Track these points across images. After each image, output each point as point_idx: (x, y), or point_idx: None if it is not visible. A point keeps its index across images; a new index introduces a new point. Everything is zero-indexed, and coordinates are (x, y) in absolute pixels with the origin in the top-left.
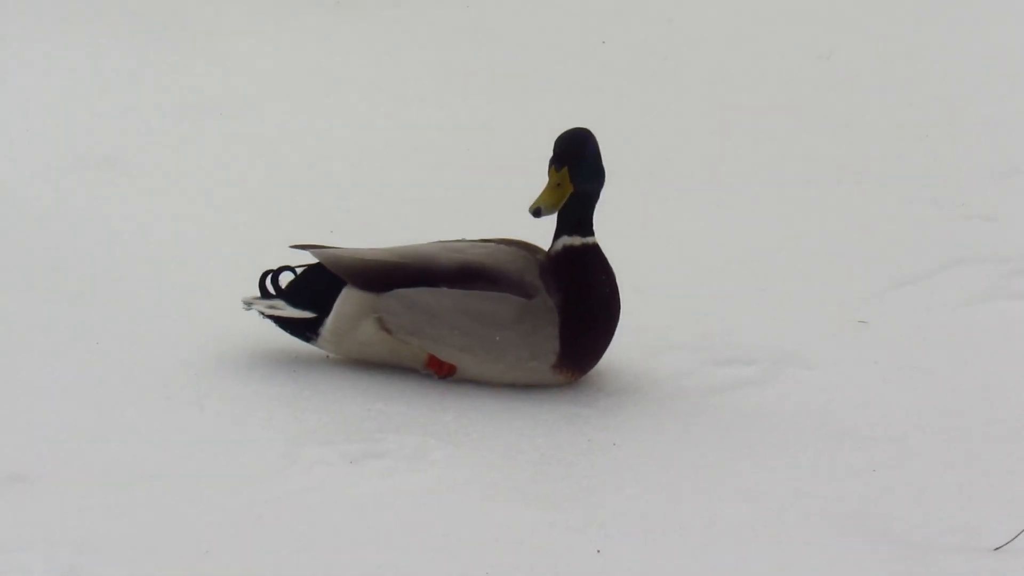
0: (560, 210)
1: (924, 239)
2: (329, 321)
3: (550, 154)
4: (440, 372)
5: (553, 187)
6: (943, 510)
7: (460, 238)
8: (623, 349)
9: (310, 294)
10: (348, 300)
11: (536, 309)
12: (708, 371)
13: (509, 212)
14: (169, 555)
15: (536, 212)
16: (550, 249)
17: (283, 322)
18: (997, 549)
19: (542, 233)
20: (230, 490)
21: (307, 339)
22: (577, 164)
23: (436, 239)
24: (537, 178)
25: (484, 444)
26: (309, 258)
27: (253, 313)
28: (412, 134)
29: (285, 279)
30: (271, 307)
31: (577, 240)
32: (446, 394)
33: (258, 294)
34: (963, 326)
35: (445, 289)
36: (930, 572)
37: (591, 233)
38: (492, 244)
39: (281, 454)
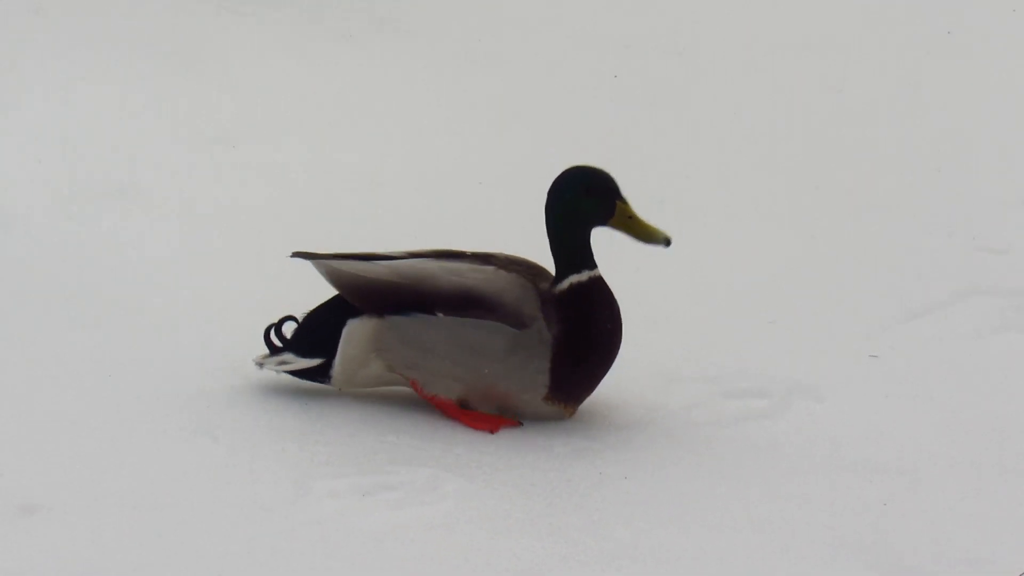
0: (563, 246)
1: (936, 271)
2: (337, 364)
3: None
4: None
5: (637, 216)
6: (955, 542)
7: (461, 250)
8: (634, 381)
9: (315, 340)
10: (350, 341)
11: (529, 340)
12: (719, 403)
13: (520, 242)
14: None
15: (668, 242)
16: (554, 285)
17: (296, 373)
18: None
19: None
20: (243, 521)
21: (323, 382)
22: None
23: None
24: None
25: (496, 477)
26: (308, 302)
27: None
28: (424, 164)
29: (291, 327)
30: (281, 363)
31: (585, 275)
32: (457, 427)
33: (267, 351)
34: (974, 358)
35: (440, 317)
36: None
37: (595, 265)
38: (491, 268)
39: (293, 485)
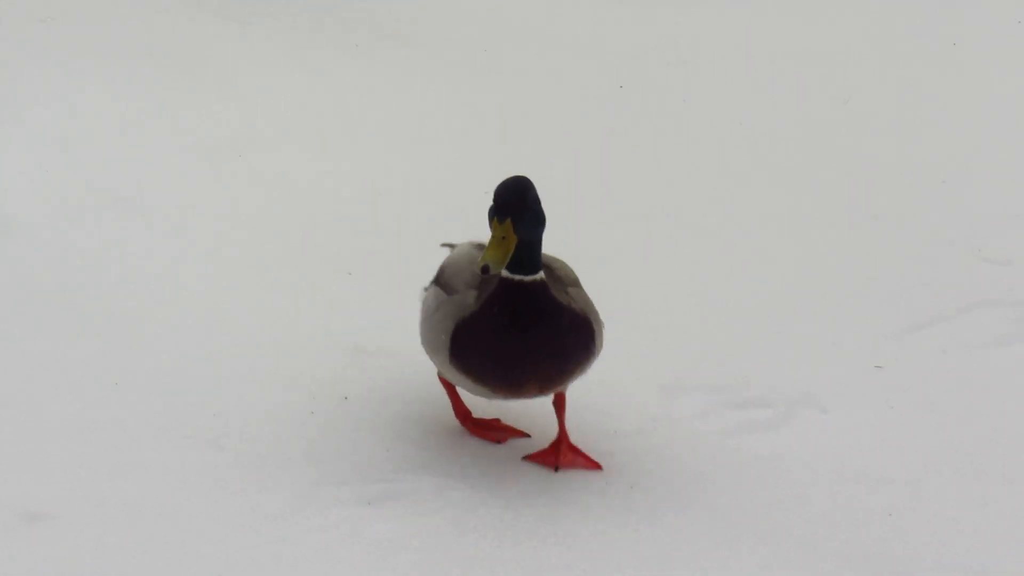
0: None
1: (940, 282)
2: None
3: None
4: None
5: (499, 240)
6: (959, 552)
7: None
8: (638, 391)
9: None
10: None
11: (451, 304)
12: (724, 414)
13: None
14: None
15: (484, 269)
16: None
17: None
18: None
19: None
20: (247, 529)
21: None
22: (520, 214)
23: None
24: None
25: (501, 485)
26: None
27: (279, 351)
28: (429, 174)
29: None
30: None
31: (517, 277)
32: (463, 435)
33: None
34: (979, 369)
35: (424, 288)
36: None
37: (537, 270)
38: (469, 245)
39: (299, 494)
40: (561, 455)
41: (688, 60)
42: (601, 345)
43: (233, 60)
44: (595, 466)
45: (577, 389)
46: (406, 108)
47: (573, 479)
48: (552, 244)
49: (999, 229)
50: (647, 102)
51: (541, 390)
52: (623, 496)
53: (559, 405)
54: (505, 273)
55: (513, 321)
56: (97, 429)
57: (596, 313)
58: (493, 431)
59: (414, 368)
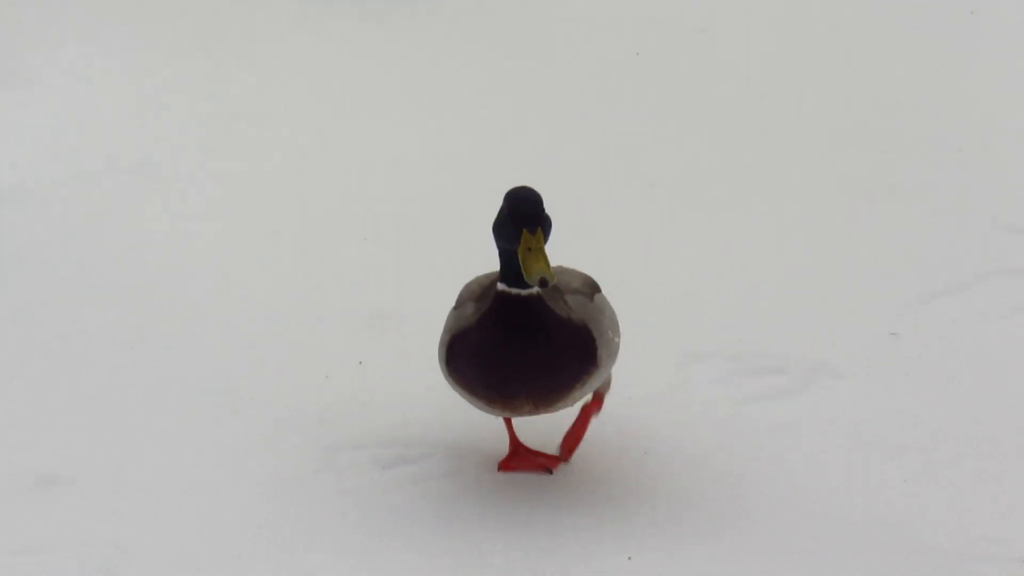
0: (500, 256)
1: (956, 251)
2: None
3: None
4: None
5: (539, 252)
6: (974, 520)
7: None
8: (655, 358)
9: None
10: None
11: (452, 317)
12: (740, 381)
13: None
14: (202, 558)
15: (543, 283)
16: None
17: None
18: None
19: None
20: (264, 494)
21: None
22: (547, 223)
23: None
24: (571, 186)
25: None
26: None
27: (288, 318)
28: (446, 142)
29: None
30: None
31: (514, 291)
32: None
33: None
34: (995, 338)
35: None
36: None
37: (526, 284)
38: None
39: (315, 459)
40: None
41: (707, 28)
42: (610, 357)
43: (249, 28)
44: (553, 463)
45: None
46: (423, 75)
47: (589, 443)
48: (570, 211)
49: (1016, 197)
50: (665, 71)
51: (536, 407)
52: (638, 462)
53: (596, 404)
54: (502, 287)
55: (507, 335)
56: (112, 395)
57: (606, 324)
58: (542, 459)
59: (430, 334)
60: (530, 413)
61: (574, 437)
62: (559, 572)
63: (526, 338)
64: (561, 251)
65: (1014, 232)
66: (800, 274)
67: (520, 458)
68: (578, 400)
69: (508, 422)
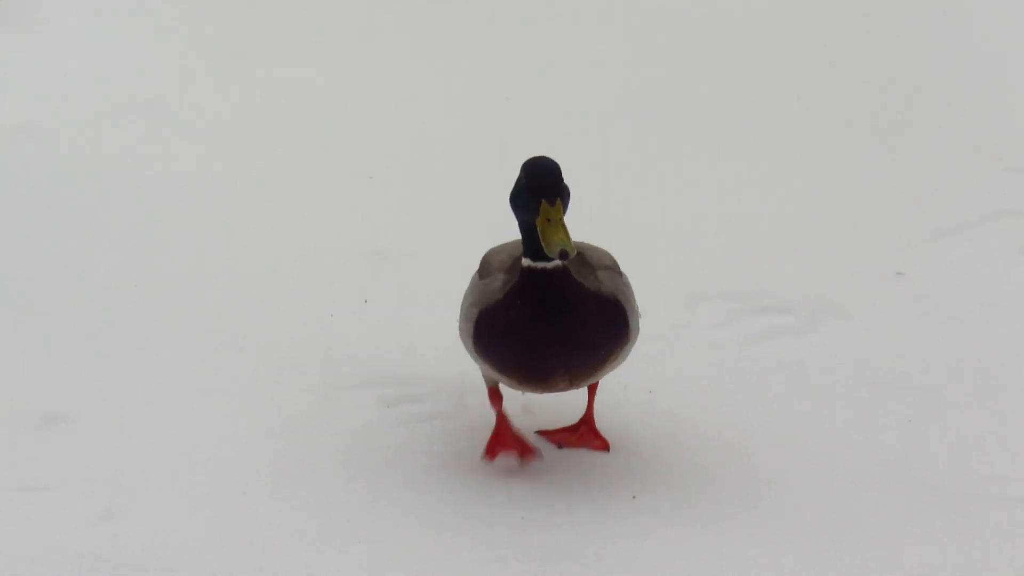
0: (520, 230)
1: (963, 191)
2: None
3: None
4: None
5: (558, 223)
6: (979, 460)
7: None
8: (661, 298)
9: None
10: None
11: (477, 290)
12: (745, 321)
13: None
14: (206, 496)
15: (563, 255)
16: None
17: None
18: None
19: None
20: (268, 432)
21: None
22: (565, 194)
23: (473, 186)
24: (577, 127)
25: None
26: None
27: (293, 257)
28: (453, 81)
29: None
30: None
31: (539, 264)
32: None
33: None
34: (1000, 278)
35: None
36: (967, 521)
37: (550, 257)
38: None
39: (319, 398)
40: (577, 435)
41: None
42: (637, 330)
43: None
44: (604, 446)
45: None
46: (432, 13)
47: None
48: (576, 154)
49: (1022, 137)
50: (670, 14)
51: (572, 382)
52: (643, 402)
53: (592, 388)
54: (527, 262)
55: (537, 311)
56: (116, 333)
57: (631, 300)
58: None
59: (435, 272)
60: (563, 389)
61: (590, 418)
62: (565, 510)
63: (557, 314)
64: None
65: (1020, 172)
66: (806, 214)
67: (503, 440)
68: (608, 373)
69: (500, 407)
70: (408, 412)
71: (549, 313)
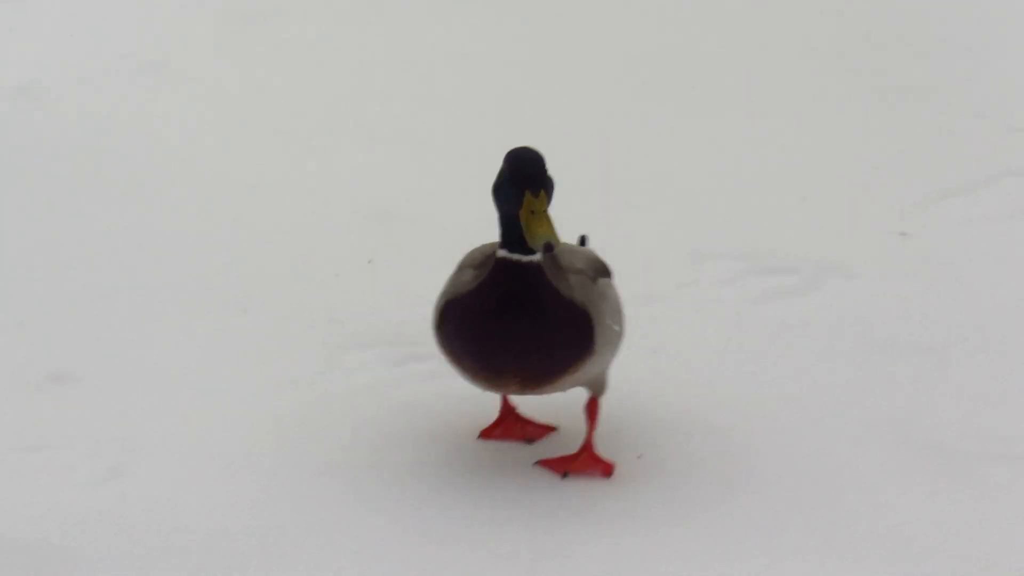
0: (500, 221)
1: (968, 152)
2: None
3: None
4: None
5: (542, 215)
6: (984, 420)
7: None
8: (665, 258)
9: None
10: None
11: (449, 281)
12: (749, 280)
13: (550, 125)
14: (212, 455)
15: (548, 247)
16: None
17: None
18: None
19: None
20: (274, 392)
21: None
22: (549, 186)
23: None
24: (579, 86)
25: None
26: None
27: (298, 217)
28: (458, 42)
29: None
30: None
31: (515, 256)
32: None
33: None
34: (1005, 238)
35: None
36: (971, 481)
37: (530, 251)
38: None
39: (324, 358)
40: (578, 462)
41: None
42: (607, 344)
43: None
44: (607, 470)
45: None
46: None
47: None
48: (578, 112)
49: None
50: None
51: (523, 386)
52: (648, 360)
53: (591, 412)
54: (502, 253)
55: (499, 306)
56: (121, 293)
57: (605, 309)
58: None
59: (439, 233)
60: (516, 393)
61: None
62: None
63: (518, 310)
64: (571, 152)
65: None
66: (810, 174)
67: (507, 426)
68: (568, 387)
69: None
70: (413, 372)
71: (510, 308)
